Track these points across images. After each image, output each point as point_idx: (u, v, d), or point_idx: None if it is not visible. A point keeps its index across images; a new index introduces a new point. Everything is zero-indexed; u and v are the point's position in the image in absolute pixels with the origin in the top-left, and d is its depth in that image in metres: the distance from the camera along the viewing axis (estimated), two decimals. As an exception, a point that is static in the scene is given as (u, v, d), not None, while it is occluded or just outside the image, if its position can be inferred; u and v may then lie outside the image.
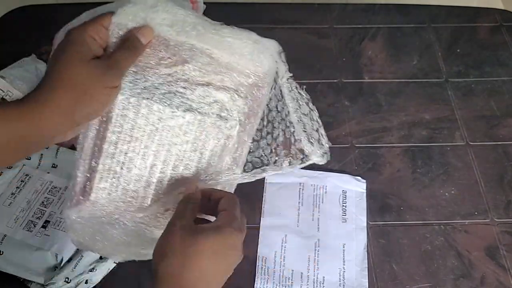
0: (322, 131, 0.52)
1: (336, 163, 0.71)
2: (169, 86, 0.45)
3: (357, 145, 0.73)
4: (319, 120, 0.53)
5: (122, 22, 0.44)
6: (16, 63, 0.74)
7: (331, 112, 0.77)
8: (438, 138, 0.74)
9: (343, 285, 0.61)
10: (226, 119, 0.48)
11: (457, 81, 0.82)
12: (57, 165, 0.65)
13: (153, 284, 0.38)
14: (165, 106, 0.45)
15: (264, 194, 0.68)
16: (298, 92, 0.53)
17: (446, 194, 0.69)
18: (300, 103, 0.52)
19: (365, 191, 0.69)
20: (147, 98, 0.45)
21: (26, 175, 0.64)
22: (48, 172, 0.64)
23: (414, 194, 0.69)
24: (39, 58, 0.76)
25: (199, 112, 0.46)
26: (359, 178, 0.69)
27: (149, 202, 0.47)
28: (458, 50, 0.86)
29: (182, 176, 0.47)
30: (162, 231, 0.42)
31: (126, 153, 0.45)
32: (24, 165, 0.64)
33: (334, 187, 0.69)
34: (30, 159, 0.65)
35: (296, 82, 0.81)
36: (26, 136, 0.38)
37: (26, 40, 0.81)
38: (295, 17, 0.89)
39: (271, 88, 0.51)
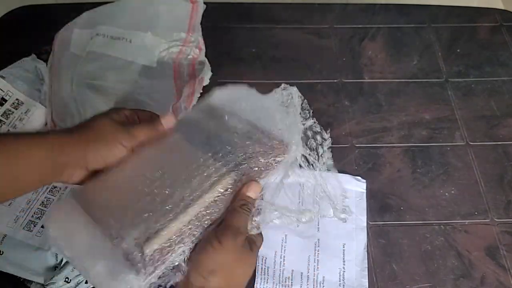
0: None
1: (336, 163, 0.71)
2: None
3: (357, 145, 0.73)
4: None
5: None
6: (16, 63, 0.74)
7: (331, 112, 0.77)
8: (438, 138, 0.74)
9: (343, 285, 0.61)
10: None
11: (457, 81, 0.82)
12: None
13: None
14: None
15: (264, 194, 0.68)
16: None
17: (446, 194, 0.69)
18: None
19: (365, 191, 0.69)
20: None
21: (26, 175, 0.64)
22: (48, 172, 0.64)
23: (414, 194, 0.69)
24: (39, 58, 0.76)
25: None
26: (359, 178, 0.69)
27: None
28: (458, 50, 0.86)
29: None
30: None
31: None
32: (24, 165, 0.64)
33: (334, 187, 0.69)
34: (30, 159, 0.65)
35: (296, 82, 0.81)
36: (44, 167, 0.44)
37: (26, 40, 0.81)
38: (295, 17, 0.89)
39: None
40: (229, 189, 0.45)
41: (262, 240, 0.46)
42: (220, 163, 0.45)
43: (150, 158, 0.48)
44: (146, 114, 0.53)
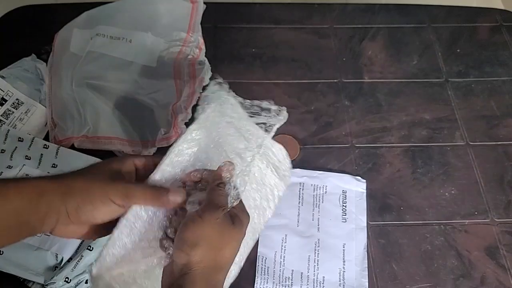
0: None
1: (336, 163, 0.71)
2: None
3: (357, 145, 0.73)
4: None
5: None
6: (16, 63, 0.74)
7: (331, 112, 0.77)
8: (438, 138, 0.74)
9: (343, 285, 0.61)
10: None
11: (457, 81, 0.82)
12: (57, 165, 0.65)
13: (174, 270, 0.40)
14: None
15: (264, 194, 0.68)
16: None
17: (446, 194, 0.69)
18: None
19: (365, 191, 0.69)
20: None
21: (26, 175, 0.64)
22: (48, 172, 0.64)
23: (414, 194, 0.69)
24: (39, 58, 0.76)
25: None
26: (359, 178, 0.69)
27: None
28: (458, 50, 0.86)
29: None
30: None
31: None
32: (24, 165, 0.64)
33: (334, 187, 0.69)
34: (30, 159, 0.65)
35: (296, 82, 0.81)
36: (24, 214, 0.38)
37: (26, 40, 0.81)
38: (295, 17, 0.89)
39: None
40: None
41: (248, 217, 0.44)
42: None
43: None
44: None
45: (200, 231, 0.40)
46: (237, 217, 0.43)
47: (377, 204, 0.68)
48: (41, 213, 0.39)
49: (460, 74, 0.82)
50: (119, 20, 0.77)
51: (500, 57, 0.85)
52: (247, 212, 0.45)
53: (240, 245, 0.43)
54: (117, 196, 0.40)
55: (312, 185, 0.69)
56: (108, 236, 0.42)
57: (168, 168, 0.44)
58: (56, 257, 0.58)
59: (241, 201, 0.44)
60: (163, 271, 0.43)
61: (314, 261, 0.63)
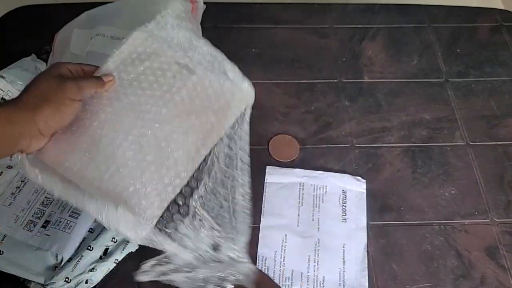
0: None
1: (336, 163, 0.71)
2: None
3: (357, 145, 0.73)
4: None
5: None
6: (16, 63, 0.74)
7: (331, 112, 0.77)
8: (438, 138, 0.75)
9: (343, 285, 0.61)
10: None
11: (457, 81, 0.82)
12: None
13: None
14: None
15: (264, 194, 0.68)
16: None
17: (446, 194, 0.69)
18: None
19: (365, 191, 0.69)
20: None
21: (26, 175, 0.64)
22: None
23: (414, 194, 0.69)
24: (39, 58, 0.77)
25: None
26: (359, 178, 0.69)
27: None
28: (458, 50, 0.86)
29: None
30: None
31: None
32: (24, 165, 0.64)
33: (334, 187, 0.69)
34: (30, 159, 0.65)
35: (296, 82, 0.81)
36: None
37: (26, 40, 0.81)
38: (295, 17, 0.89)
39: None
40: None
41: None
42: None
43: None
44: (92, 68, 0.50)
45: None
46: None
47: (377, 204, 0.68)
48: (14, 138, 0.42)
49: (460, 74, 0.82)
50: (119, 20, 0.77)
51: (500, 57, 0.85)
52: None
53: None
54: (72, 91, 0.44)
55: (312, 185, 0.69)
56: None
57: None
58: (56, 257, 0.58)
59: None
60: None
61: (314, 261, 0.63)
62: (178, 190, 0.48)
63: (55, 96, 0.44)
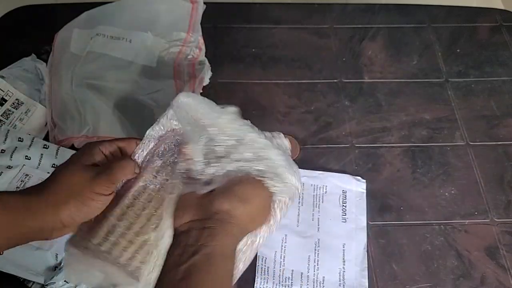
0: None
1: (336, 163, 0.71)
2: None
3: (357, 145, 0.73)
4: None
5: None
6: (16, 63, 0.74)
7: (331, 112, 0.77)
8: (438, 138, 0.74)
9: (343, 285, 0.61)
10: None
11: (457, 81, 0.82)
12: (57, 165, 0.65)
13: None
14: None
15: (264, 194, 0.68)
16: None
17: (446, 194, 0.69)
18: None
19: (365, 191, 0.69)
20: None
21: (26, 175, 0.64)
22: (48, 172, 0.64)
23: (414, 194, 0.69)
24: (39, 58, 0.77)
25: None
26: (359, 178, 0.69)
27: None
28: (458, 50, 0.86)
29: None
30: None
31: None
32: (24, 165, 0.64)
33: (334, 187, 0.69)
34: (30, 159, 0.65)
35: (296, 82, 0.81)
36: (10, 225, 0.40)
37: (26, 40, 0.81)
38: (295, 17, 0.89)
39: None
40: None
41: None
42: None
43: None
44: (130, 145, 0.48)
45: (257, 193, 0.43)
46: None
47: (377, 204, 0.68)
48: (35, 229, 0.40)
49: (460, 74, 0.82)
50: (119, 20, 0.77)
51: (500, 57, 0.85)
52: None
53: (263, 224, 0.45)
54: (103, 188, 0.42)
55: (312, 185, 0.69)
56: None
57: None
58: (56, 257, 0.58)
59: None
60: (179, 200, 0.43)
61: (314, 261, 0.63)
62: None
63: (84, 191, 0.41)
